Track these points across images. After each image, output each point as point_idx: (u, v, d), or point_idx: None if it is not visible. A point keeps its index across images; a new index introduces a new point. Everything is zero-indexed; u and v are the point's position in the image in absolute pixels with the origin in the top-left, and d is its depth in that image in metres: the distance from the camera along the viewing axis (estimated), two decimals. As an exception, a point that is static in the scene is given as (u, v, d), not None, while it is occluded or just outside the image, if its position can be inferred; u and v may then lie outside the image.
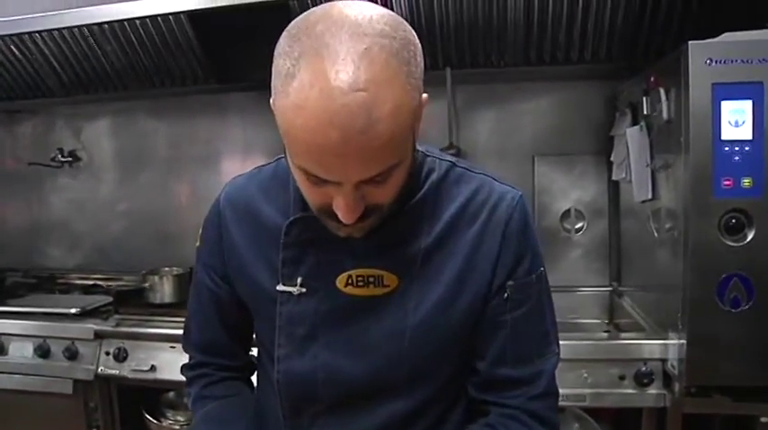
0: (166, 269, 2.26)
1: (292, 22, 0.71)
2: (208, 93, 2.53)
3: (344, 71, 0.65)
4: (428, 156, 0.90)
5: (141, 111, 2.66)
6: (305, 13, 0.71)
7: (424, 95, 0.75)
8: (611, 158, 2.15)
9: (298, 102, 0.66)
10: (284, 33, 0.71)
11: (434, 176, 0.89)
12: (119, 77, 2.47)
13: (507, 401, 0.89)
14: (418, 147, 0.88)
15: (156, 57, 2.33)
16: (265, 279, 0.91)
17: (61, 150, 2.69)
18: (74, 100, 2.59)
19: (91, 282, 2.56)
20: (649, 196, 1.78)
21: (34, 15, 1.98)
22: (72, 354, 2.00)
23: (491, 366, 0.90)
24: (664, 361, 1.62)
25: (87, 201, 2.76)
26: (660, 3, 1.89)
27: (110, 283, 2.51)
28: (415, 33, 0.73)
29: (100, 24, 2.08)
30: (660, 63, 1.69)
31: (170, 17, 2.15)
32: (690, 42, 1.44)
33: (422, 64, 0.73)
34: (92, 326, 2.00)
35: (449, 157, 0.92)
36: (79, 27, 2.12)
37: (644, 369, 1.63)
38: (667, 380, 1.62)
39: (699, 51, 1.44)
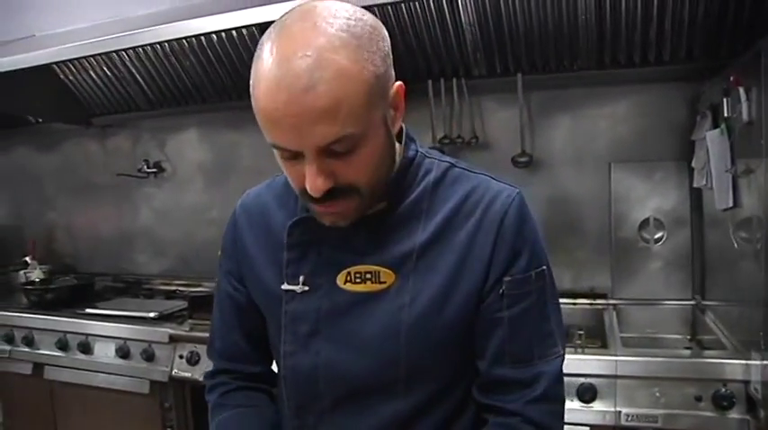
0: (239, 276, 2.32)
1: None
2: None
3: (295, 43, 0.72)
4: (427, 157, 0.92)
5: (221, 123, 2.77)
6: None
7: (398, 83, 0.81)
8: (693, 164, 2.01)
9: (258, 75, 0.74)
10: None
11: (431, 176, 0.90)
12: (198, 92, 2.59)
13: (506, 406, 0.87)
14: (419, 149, 0.91)
15: (232, 70, 2.43)
16: (273, 280, 0.94)
17: (147, 162, 2.86)
18: (158, 113, 2.74)
19: (173, 288, 2.69)
20: (730, 204, 1.66)
21: (120, 35, 2.10)
22: (149, 356, 2.11)
23: (490, 366, 0.89)
24: (746, 383, 1.49)
25: (171, 210, 2.91)
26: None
27: (189, 290, 2.62)
28: (381, 24, 0.79)
29: (179, 40, 2.19)
30: (739, 61, 1.57)
31: (243, 31, 2.23)
32: (769, 37, 1.33)
33: (384, 48, 0.78)
34: (167, 330, 2.10)
35: (449, 159, 0.94)
36: (161, 43, 2.24)
37: (724, 391, 1.50)
38: (751, 404, 1.49)
39: (780, 46, 1.33)
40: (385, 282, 0.87)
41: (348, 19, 0.75)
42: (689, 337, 2.07)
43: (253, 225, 0.99)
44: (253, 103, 0.77)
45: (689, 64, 2.01)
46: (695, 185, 2.02)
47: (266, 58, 0.73)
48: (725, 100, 1.65)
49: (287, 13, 0.78)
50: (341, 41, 0.73)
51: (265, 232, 0.97)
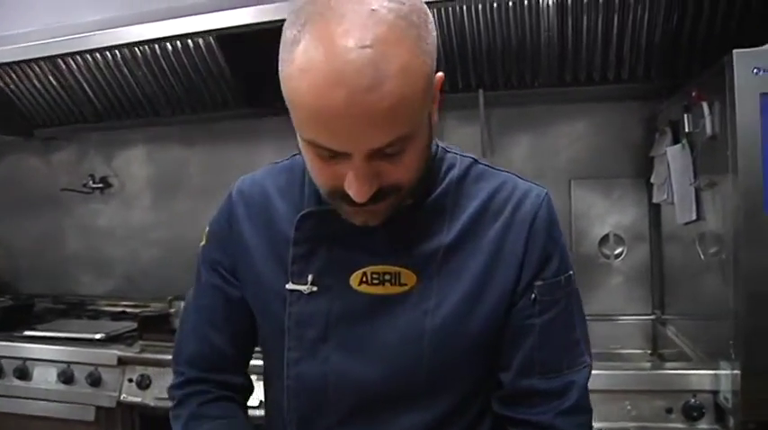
0: (193, 294, 2.22)
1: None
2: (240, 118, 2.53)
3: (350, 30, 0.62)
4: (448, 152, 0.87)
5: (173, 137, 2.67)
6: None
7: (439, 74, 0.72)
8: (652, 180, 2.05)
9: (302, 65, 0.64)
10: (291, 8, 0.68)
11: (455, 172, 0.85)
12: (150, 104, 2.48)
13: (534, 418, 0.82)
14: (439, 143, 0.85)
15: (187, 82, 2.34)
16: (275, 277, 0.85)
17: (93, 176, 2.72)
18: (106, 126, 2.61)
19: (119, 309, 2.55)
20: (693, 217, 1.68)
21: (67, 38, 2.00)
22: (95, 381, 1.97)
23: (517, 377, 0.83)
24: (715, 393, 1.50)
25: (118, 228, 2.77)
26: (699, 20, 1.82)
27: (138, 310, 2.49)
28: (426, 6, 0.70)
29: (131, 48, 2.10)
30: (702, 76, 1.61)
31: (200, 42, 2.16)
32: (734, 51, 1.37)
33: (434, 34, 0.70)
34: (115, 352, 1.97)
35: (470, 155, 0.88)
36: (110, 49, 2.14)
37: (693, 401, 1.51)
38: (720, 413, 1.50)
39: (744, 60, 1.36)
40: (406, 285, 0.80)
41: (402, 3, 0.66)
42: (650, 352, 2.09)
43: (252, 214, 0.89)
44: (288, 92, 0.67)
45: (646, 83, 2.06)
46: (655, 201, 2.06)
47: (313, 45, 0.63)
48: (686, 116, 1.69)
49: None
50: (402, 32, 0.64)
51: (267, 224, 0.88)
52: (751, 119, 1.36)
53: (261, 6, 1.83)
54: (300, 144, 0.73)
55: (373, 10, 0.63)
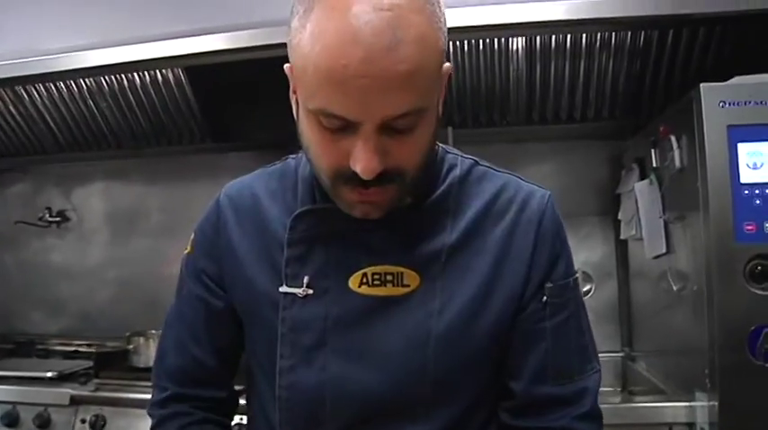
0: (153, 331, 2.12)
1: None
2: (204, 152, 2.49)
3: None
4: (449, 152, 0.85)
5: (135, 171, 2.61)
6: None
7: (448, 64, 0.71)
8: (619, 217, 2.09)
9: (316, 29, 0.63)
10: None
11: (456, 172, 0.83)
12: (114, 136, 2.43)
13: (549, 424, 0.78)
14: (440, 145, 0.83)
15: (153, 114, 2.30)
16: (266, 281, 0.81)
17: (50, 210, 2.62)
18: (66, 157, 2.54)
19: (73, 348, 2.42)
20: (663, 250, 1.71)
21: (27, 60, 1.95)
22: (43, 422, 1.83)
23: (530, 384, 0.80)
24: (690, 425, 1.49)
25: (74, 264, 2.66)
26: (661, 64, 1.89)
27: (93, 349, 2.36)
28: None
29: (95, 73, 2.05)
30: (669, 111, 1.66)
31: (169, 76, 2.14)
32: (701, 85, 1.42)
33: (445, 18, 0.69)
34: (68, 390, 1.85)
35: (471, 156, 0.86)
36: (74, 77, 2.09)
37: (670, 434, 1.50)
38: (695, 446, 1.49)
39: (711, 94, 1.41)
40: (409, 286, 0.77)
41: None
42: (620, 389, 2.09)
43: (241, 219, 0.85)
44: (298, 59, 0.65)
45: (611, 122, 2.13)
46: (622, 237, 2.09)
47: (326, 11, 0.62)
48: (653, 151, 1.73)
49: None
50: (420, 3, 0.64)
51: (257, 227, 0.84)
52: (719, 150, 1.40)
53: (232, 33, 1.82)
54: (304, 122, 0.70)
55: None
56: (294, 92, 0.72)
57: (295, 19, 0.66)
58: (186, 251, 0.91)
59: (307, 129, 0.70)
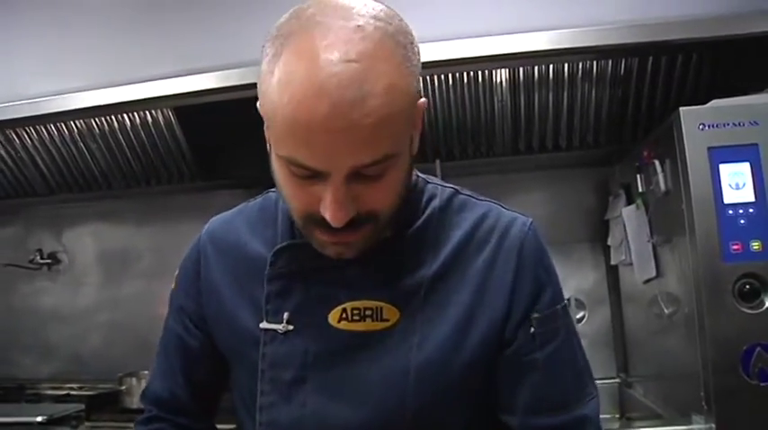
0: (145, 372, 2.10)
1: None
2: (194, 192, 2.50)
3: (335, 43, 0.61)
4: (429, 182, 0.84)
5: (126, 212, 2.61)
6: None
7: (422, 100, 0.70)
8: (608, 242, 2.10)
9: (284, 77, 0.62)
10: (273, 26, 0.68)
11: (436, 202, 0.82)
12: (104, 177, 2.43)
13: None
14: (419, 174, 0.83)
15: (143, 155, 2.31)
16: (247, 317, 0.81)
17: (40, 252, 2.61)
18: (56, 199, 2.54)
19: (64, 392, 2.37)
20: (653, 274, 1.72)
21: (16, 103, 1.96)
22: (34, 469, 1.81)
23: (526, 417, 0.78)
24: (690, 449, 1.48)
25: (65, 306, 2.63)
26: (642, 91, 1.94)
27: (84, 392, 2.32)
28: (410, 28, 0.70)
29: (85, 114, 2.06)
30: (652, 136, 1.69)
31: (159, 117, 2.16)
32: (681, 109, 1.45)
33: (419, 57, 0.69)
34: (59, 435, 1.83)
35: (450, 185, 0.86)
36: (64, 119, 2.11)
37: (669, 459, 1.48)
38: (696, 471, 1.47)
39: (691, 117, 1.44)
40: (388, 320, 0.76)
41: (389, 23, 0.65)
42: (618, 416, 2.07)
43: (221, 255, 0.85)
44: (267, 106, 0.65)
45: (596, 150, 2.15)
46: (612, 263, 2.10)
47: (296, 57, 0.61)
48: (638, 176, 1.76)
49: (307, 6, 0.66)
50: (389, 50, 0.63)
51: (238, 263, 0.84)
52: (701, 172, 1.42)
53: (221, 72, 1.84)
54: (275, 164, 0.70)
55: (359, 26, 0.63)
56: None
57: (264, 62, 0.65)
58: (172, 286, 0.92)
59: (278, 172, 0.70)
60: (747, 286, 1.38)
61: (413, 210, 0.80)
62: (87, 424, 1.88)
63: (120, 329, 2.55)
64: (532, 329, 0.77)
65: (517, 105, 2.05)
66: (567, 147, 2.16)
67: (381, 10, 0.66)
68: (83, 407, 1.98)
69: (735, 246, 1.39)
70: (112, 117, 2.18)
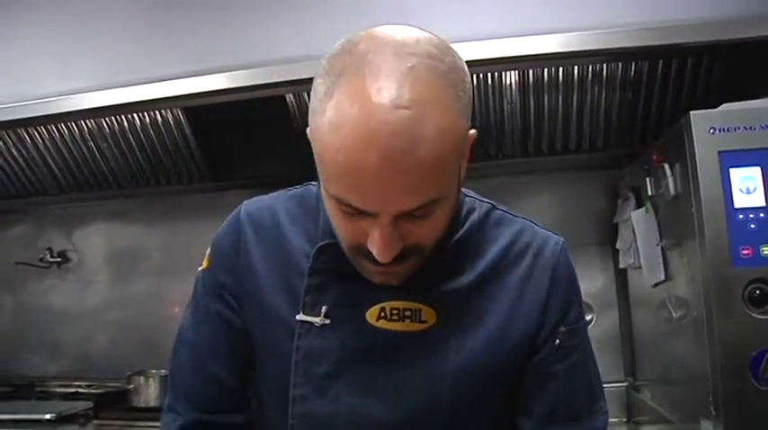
0: (153, 371, 2.11)
1: (335, 45, 0.68)
2: (203, 191, 2.51)
3: (387, 88, 0.61)
4: (467, 196, 0.87)
5: (135, 211, 2.63)
6: (346, 37, 0.69)
7: (472, 131, 0.71)
8: (617, 246, 2.09)
9: (335, 120, 0.62)
10: (326, 55, 0.68)
11: (475, 216, 0.85)
12: (114, 177, 2.45)
13: None
14: None
15: (153, 154, 2.33)
16: (284, 307, 0.81)
17: (50, 250, 2.63)
18: (67, 198, 2.56)
19: (72, 390, 2.39)
20: (662, 277, 1.71)
21: (27, 103, 1.98)
22: (42, 466, 1.82)
23: (540, 424, 0.81)
24: (697, 453, 1.47)
25: (75, 305, 2.65)
26: (652, 93, 1.93)
27: (92, 391, 2.34)
28: (463, 60, 0.69)
29: (96, 113, 2.07)
30: (661, 140, 1.68)
31: (169, 117, 2.18)
32: (691, 113, 1.44)
33: (470, 93, 0.69)
34: (67, 433, 1.84)
35: (487, 200, 0.89)
36: (75, 119, 2.12)
37: (677, 464, 1.48)
38: (704, 476, 1.47)
39: (701, 120, 1.43)
40: (426, 322, 0.78)
41: (442, 60, 0.64)
42: (625, 420, 2.06)
43: (262, 240, 0.84)
44: (317, 145, 0.66)
45: (606, 152, 2.14)
46: (621, 266, 2.09)
47: (348, 100, 0.61)
48: (648, 179, 1.75)
49: (358, 38, 0.66)
50: (440, 92, 0.63)
51: (277, 249, 0.84)
52: (712, 177, 1.41)
53: (231, 73, 1.85)
54: (324, 196, 0.71)
55: (412, 67, 0.62)
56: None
57: (315, 98, 0.66)
58: (202, 267, 0.89)
59: (327, 203, 0.72)
60: (757, 291, 1.37)
61: (454, 223, 0.81)
62: (95, 422, 1.90)
63: (128, 328, 2.57)
64: (557, 341, 0.82)
65: (527, 108, 2.05)
66: (576, 149, 2.15)
67: (435, 45, 0.66)
68: (91, 405, 2.01)
69: (745, 251, 1.38)
70: (122, 117, 2.20)
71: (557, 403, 0.81)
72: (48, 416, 1.92)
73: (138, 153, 2.33)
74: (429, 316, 0.78)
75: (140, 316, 2.56)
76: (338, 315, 0.79)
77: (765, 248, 1.37)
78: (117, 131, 2.25)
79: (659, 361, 1.88)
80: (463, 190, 0.85)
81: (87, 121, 2.21)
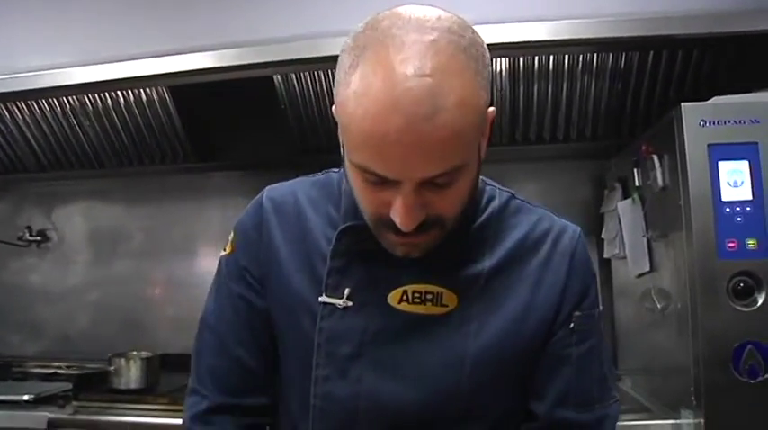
0: (134, 353, 2.09)
1: (359, 24, 0.70)
2: (187, 173, 2.48)
3: (410, 58, 0.63)
4: (488, 184, 0.88)
5: (117, 191, 2.59)
6: (371, 15, 0.71)
7: (492, 108, 0.73)
8: (602, 236, 2.10)
9: (359, 89, 0.65)
10: (350, 33, 0.70)
11: (496, 203, 0.87)
12: (96, 156, 2.40)
13: None
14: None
15: (136, 134, 2.29)
16: (307, 289, 0.83)
17: (30, 229, 2.58)
18: (47, 176, 2.51)
19: (51, 370, 2.35)
20: (647, 268, 1.72)
21: (10, 76, 1.93)
22: (19, 447, 1.79)
23: (552, 407, 0.82)
24: (677, 443, 1.49)
25: (54, 285, 2.61)
26: (641, 85, 1.93)
27: (72, 371, 2.31)
28: (483, 40, 0.72)
29: (79, 90, 2.03)
30: (651, 131, 1.69)
31: (154, 95, 2.13)
32: (682, 104, 1.44)
33: (489, 69, 0.71)
34: (45, 414, 1.80)
35: (507, 189, 0.91)
36: (57, 95, 2.08)
37: (656, 453, 1.49)
38: (682, 464, 1.48)
39: (692, 113, 1.44)
40: (447, 306, 0.80)
41: (462, 36, 0.67)
42: (606, 409, 2.08)
43: (284, 224, 0.87)
44: (342, 116, 0.68)
45: (594, 143, 2.14)
46: (606, 256, 2.10)
47: (372, 70, 0.64)
48: (635, 170, 1.75)
49: (382, 15, 0.69)
50: (462, 64, 0.65)
51: (299, 234, 0.86)
52: (700, 169, 1.42)
53: (217, 51, 1.81)
54: (348, 168, 0.73)
55: (434, 40, 0.64)
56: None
57: (341, 72, 0.68)
58: (225, 252, 0.91)
59: (350, 175, 0.73)
60: (741, 284, 1.38)
61: (474, 209, 0.84)
62: (75, 403, 1.86)
63: (109, 309, 2.54)
64: (572, 325, 0.83)
65: (516, 96, 2.04)
66: (564, 139, 2.15)
67: (455, 22, 0.68)
68: (70, 386, 1.97)
69: (730, 244, 1.39)
70: (106, 94, 2.15)
71: (569, 387, 0.82)
72: (26, 397, 1.88)
73: (121, 132, 2.29)
74: (450, 300, 0.80)
75: (121, 297, 2.53)
76: (360, 297, 0.80)
77: (751, 242, 1.39)
78: (100, 109, 2.20)
79: (641, 351, 1.90)
80: (484, 178, 0.88)
81: (69, 98, 2.17)
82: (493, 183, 0.90)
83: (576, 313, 0.83)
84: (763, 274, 1.38)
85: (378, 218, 0.73)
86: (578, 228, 0.89)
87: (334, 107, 0.71)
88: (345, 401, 0.79)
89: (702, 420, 1.38)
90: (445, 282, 0.80)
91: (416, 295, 0.80)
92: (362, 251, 0.80)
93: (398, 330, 0.79)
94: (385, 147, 0.64)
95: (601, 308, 0.88)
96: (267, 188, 0.91)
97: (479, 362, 0.79)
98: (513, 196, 0.89)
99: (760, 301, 1.38)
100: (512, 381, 0.83)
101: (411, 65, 0.63)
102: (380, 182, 0.68)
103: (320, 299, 0.81)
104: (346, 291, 0.80)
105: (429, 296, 0.80)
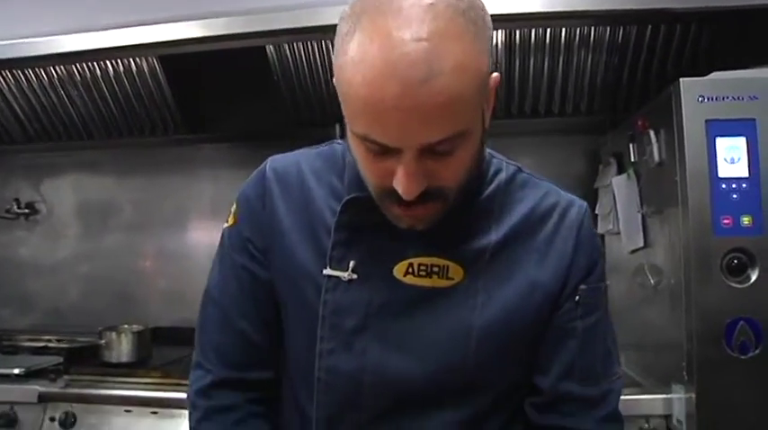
0: (125, 326, 2.08)
1: None
2: (178, 144, 2.45)
3: (406, 23, 0.62)
4: (495, 157, 0.88)
5: (107, 163, 2.55)
6: None
7: (495, 74, 0.72)
8: (596, 211, 2.10)
9: (356, 56, 0.64)
10: (349, 1, 0.69)
11: (502, 176, 0.87)
12: (85, 126, 2.36)
13: (575, 425, 0.82)
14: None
15: (126, 104, 2.25)
16: (310, 263, 0.82)
17: (18, 201, 2.55)
18: (35, 148, 2.47)
19: (42, 344, 2.34)
20: (641, 244, 1.72)
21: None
22: (9, 422, 1.77)
23: (557, 380, 0.83)
24: (667, 417, 1.51)
25: (44, 258, 2.59)
26: (638, 60, 1.91)
27: (63, 345, 2.30)
28: (483, 4, 0.70)
29: (66, 59, 1.98)
30: (648, 106, 1.67)
31: (144, 66, 2.09)
32: (681, 80, 1.42)
33: (490, 33, 0.69)
34: (36, 387, 1.79)
35: (514, 162, 0.91)
36: (44, 63, 2.03)
37: (646, 426, 1.51)
38: (673, 437, 1.50)
39: (690, 88, 1.41)
40: (453, 279, 0.80)
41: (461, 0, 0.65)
42: (597, 383, 2.10)
43: (287, 195, 0.86)
44: (341, 84, 0.67)
45: (589, 117, 2.13)
46: (600, 231, 2.09)
47: (369, 36, 0.63)
48: (631, 146, 1.74)
49: None
50: (460, 28, 0.64)
51: (302, 205, 0.85)
52: (698, 144, 1.41)
53: (208, 20, 1.77)
54: (350, 139, 0.72)
55: (431, 4, 0.63)
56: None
57: (339, 40, 0.67)
58: (227, 224, 0.90)
59: (353, 146, 0.73)
60: (735, 260, 1.38)
61: (481, 181, 0.84)
62: (66, 377, 1.85)
63: (99, 282, 2.52)
64: (578, 298, 0.83)
65: (512, 69, 2.01)
66: (559, 113, 2.14)
67: None
68: (61, 359, 1.96)
69: (726, 220, 1.38)
70: (94, 63, 2.11)
71: (574, 360, 0.82)
72: (16, 371, 1.87)
73: (110, 102, 2.25)
74: (456, 272, 0.79)
75: (112, 270, 2.51)
76: (365, 270, 0.80)
77: (746, 218, 1.38)
78: (88, 79, 2.16)
79: (633, 326, 1.91)
80: (490, 151, 0.87)
81: (57, 67, 2.13)
82: (500, 156, 0.89)
83: (582, 286, 0.83)
84: (756, 251, 1.37)
85: (381, 188, 0.72)
86: (585, 203, 0.89)
87: (333, 79, 0.70)
88: (350, 374, 0.79)
89: (694, 395, 1.39)
90: (451, 255, 0.80)
91: (422, 268, 0.79)
92: (367, 223, 0.79)
93: (404, 303, 0.79)
94: (383, 114, 0.63)
95: (607, 283, 0.88)
96: (270, 158, 0.90)
97: (485, 335, 0.79)
98: (519, 169, 0.89)
99: (753, 278, 1.37)
100: (517, 355, 0.83)
101: (408, 30, 0.62)
102: (382, 151, 0.68)
103: (325, 271, 0.80)
104: (351, 264, 0.79)
105: (435, 269, 0.79)
